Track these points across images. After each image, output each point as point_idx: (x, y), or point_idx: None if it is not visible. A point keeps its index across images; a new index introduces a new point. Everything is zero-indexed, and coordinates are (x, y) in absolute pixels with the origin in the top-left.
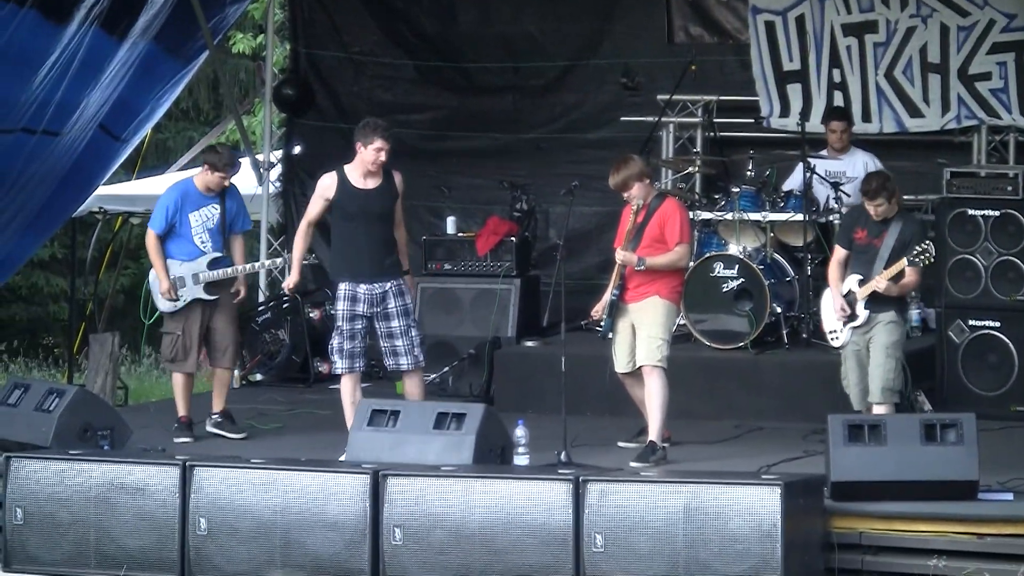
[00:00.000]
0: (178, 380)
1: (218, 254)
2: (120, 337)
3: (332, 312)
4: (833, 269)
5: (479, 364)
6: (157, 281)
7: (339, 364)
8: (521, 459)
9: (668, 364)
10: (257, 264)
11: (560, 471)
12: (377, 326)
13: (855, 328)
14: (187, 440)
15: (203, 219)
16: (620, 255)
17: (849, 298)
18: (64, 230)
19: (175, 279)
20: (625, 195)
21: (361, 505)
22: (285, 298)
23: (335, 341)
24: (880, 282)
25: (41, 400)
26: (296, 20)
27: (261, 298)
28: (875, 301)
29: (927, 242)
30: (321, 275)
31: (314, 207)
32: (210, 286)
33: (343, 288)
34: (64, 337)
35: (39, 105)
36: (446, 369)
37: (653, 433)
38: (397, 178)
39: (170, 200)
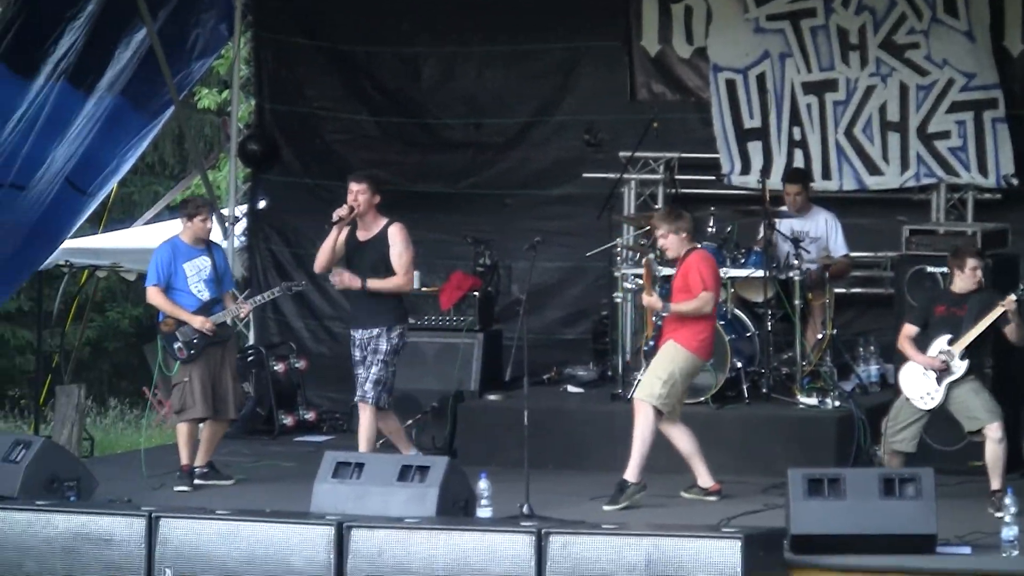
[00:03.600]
0: (182, 429)
1: (216, 298)
2: (86, 389)
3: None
4: (906, 343)
5: (442, 417)
6: (172, 335)
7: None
8: (484, 511)
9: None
10: (276, 290)
11: (523, 523)
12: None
13: (952, 383)
14: (186, 489)
15: (196, 269)
16: (645, 300)
17: (943, 356)
18: (31, 283)
19: (185, 328)
20: (660, 243)
21: (325, 556)
22: (250, 351)
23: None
24: (1009, 303)
25: (8, 451)
26: (261, 75)
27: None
28: (971, 355)
29: None
30: (286, 329)
31: None
32: (217, 327)
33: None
34: (30, 389)
35: (6, 159)
36: (409, 422)
37: (629, 470)
38: (391, 229)
39: (162, 254)
